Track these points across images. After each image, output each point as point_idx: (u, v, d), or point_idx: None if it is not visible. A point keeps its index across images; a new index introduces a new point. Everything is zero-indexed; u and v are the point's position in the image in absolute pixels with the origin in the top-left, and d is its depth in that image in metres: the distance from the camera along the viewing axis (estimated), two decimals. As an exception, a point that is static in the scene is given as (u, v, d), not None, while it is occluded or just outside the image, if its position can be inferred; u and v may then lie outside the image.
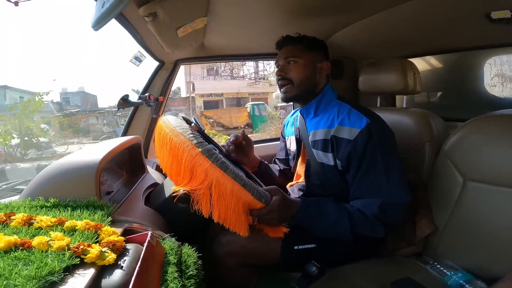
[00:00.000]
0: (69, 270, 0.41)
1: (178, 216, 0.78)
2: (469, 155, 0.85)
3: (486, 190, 0.81)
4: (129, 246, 0.53)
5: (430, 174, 0.99)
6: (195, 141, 0.61)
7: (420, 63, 1.57)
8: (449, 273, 0.82)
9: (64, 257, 0.43)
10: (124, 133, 1.26)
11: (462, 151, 0.87)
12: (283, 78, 0.95)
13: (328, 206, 0.81)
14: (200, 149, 0.60)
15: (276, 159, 1.25)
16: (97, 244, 0.50)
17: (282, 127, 1.24)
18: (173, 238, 0.62)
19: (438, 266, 0.85)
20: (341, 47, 1.38)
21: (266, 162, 1.15)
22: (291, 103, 1.22)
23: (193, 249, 0.62)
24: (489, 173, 0.81)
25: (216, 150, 0.64)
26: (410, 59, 1.22)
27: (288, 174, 1.16)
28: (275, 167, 1.21)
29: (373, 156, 0.80)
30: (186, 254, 0.61)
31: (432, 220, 0.92)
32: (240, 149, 1.03)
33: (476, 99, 1.53)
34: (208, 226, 0.89)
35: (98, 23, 0.52)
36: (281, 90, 0.97)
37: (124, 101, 1.05)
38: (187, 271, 0.56)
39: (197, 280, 0.54)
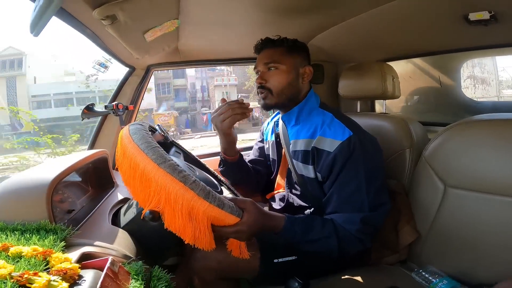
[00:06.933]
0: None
1: (150, 235, 0.71)
2: (449, 162, 0.84)
3: (467, 197, 0.80)
4: (86, 273, 0.47)
5: (411, 181, 0.98)
6: (188, 183, 0.55)
7: (398, 67, 1.59)
8: (434, 280, 0.81)
9: (6, 286, 0.40)
10: (91, 146, 1.17)
11: (442, 157, 0.86)
12: (262, 87, 0.88)
13: (314, 226, 0.75)
14: (196, 191, 0.55)
15: (250, 161, 1.13)
16: (47, 272, 0.45)
17: (262, 127, 1.17)
18: (140, 262, 0.56)
19: (423, 273, 0.84)
20: (321, 51, 1.36)
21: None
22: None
23: (165, 271, 0.56)
24: (469, 179, 0.80)
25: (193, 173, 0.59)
26: (389, 63, 1.22)
27: (261, 177, 1.09)
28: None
29: (353, 168, 0.76)
30: (156, 277, 0.55)
31: (415, 227, 0.91)
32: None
33: (453, 102, 1.56)
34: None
35: (33, 28, 0.46)
36: (260, 97, 0.91)
37: (89, 111, 0.96)
38: (156, 296, 0.51)
39: None
